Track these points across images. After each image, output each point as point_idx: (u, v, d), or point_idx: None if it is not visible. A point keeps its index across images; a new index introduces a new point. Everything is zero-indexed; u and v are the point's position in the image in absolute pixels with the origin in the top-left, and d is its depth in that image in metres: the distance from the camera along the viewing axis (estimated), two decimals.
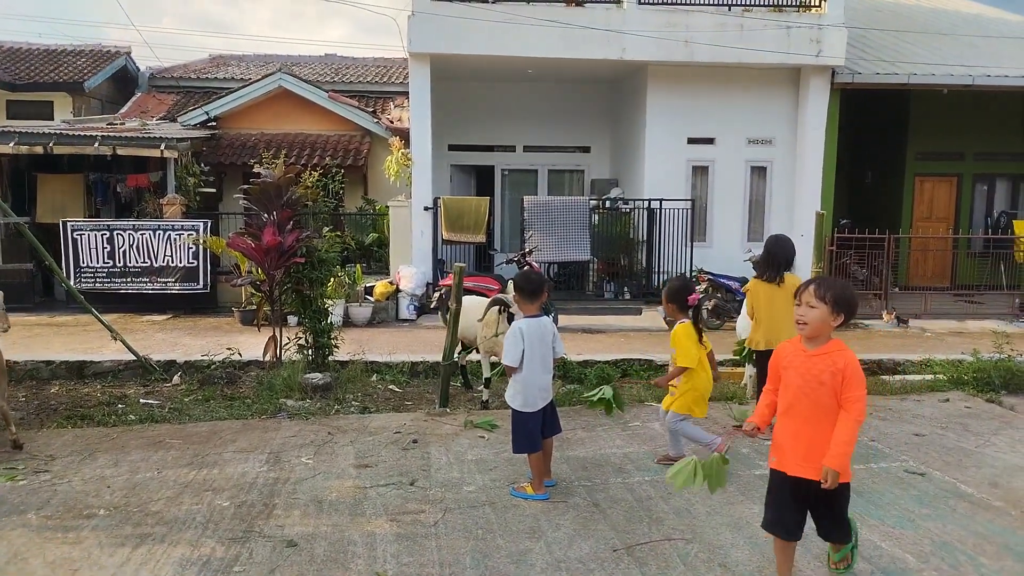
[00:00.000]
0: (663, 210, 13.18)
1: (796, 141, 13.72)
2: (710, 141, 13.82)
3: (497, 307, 6.96)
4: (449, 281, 7.79)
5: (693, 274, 12.80)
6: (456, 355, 7.39)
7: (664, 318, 10.88)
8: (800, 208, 13.41)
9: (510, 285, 11.04)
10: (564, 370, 8.25)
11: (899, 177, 16.03)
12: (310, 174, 11.83)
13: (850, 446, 3.27)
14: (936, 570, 3.94)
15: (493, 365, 7.29)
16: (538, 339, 4.82)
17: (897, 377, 8.59)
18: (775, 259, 6.09)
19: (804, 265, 12.53)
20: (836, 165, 13.65)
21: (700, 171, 13.92)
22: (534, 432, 4.83)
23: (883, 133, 16.39)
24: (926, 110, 15.26)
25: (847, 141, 15.04)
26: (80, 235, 12.53)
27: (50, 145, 12.69)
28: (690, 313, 5.35)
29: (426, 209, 12.88)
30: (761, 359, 5.86)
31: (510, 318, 6.69)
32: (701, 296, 11.67)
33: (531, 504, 4.80)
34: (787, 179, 13.84)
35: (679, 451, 5.45)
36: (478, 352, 7.50)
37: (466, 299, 7.79)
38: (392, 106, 17.49)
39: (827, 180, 13.51)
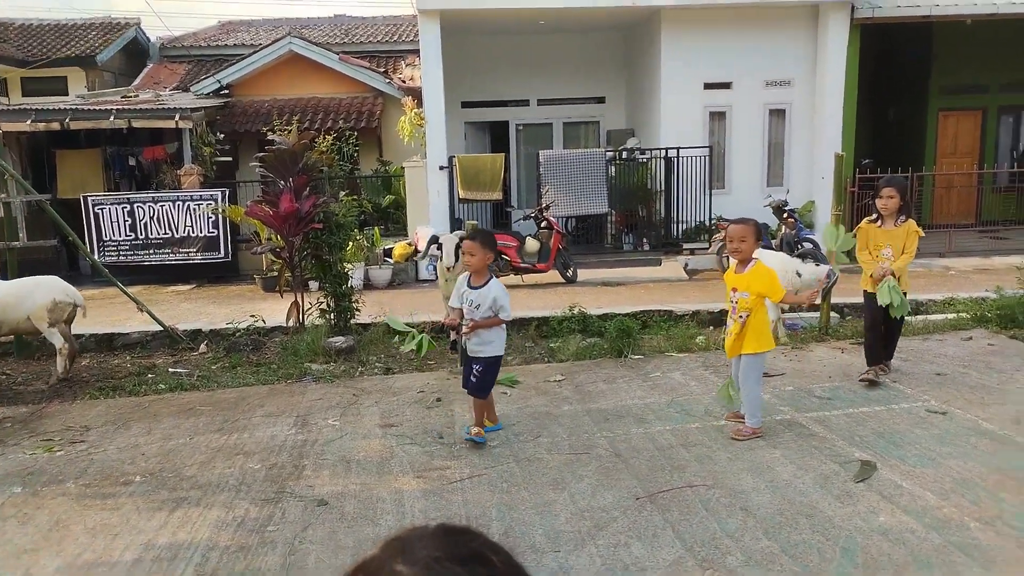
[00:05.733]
0: (680, 158, 13.02)
1: (815, 81, 13.41)
2: (727, 85, 13.55)
3: (435, 244, 7.17)
4: None
5: (713, 222, 12.69)
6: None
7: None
8: (820, 150, 13.15)
9: (528, 241, 11.13)
10: (584, 324, 8.29)
11: (922, 113, 15.66)
12: (324, 138, 11.81)
13: None
14: (956, 507, 3.97)
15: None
16: None
17: (919, 317, 8.52)
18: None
19: (824, 208, 12.42)
20: (857, 103, 13.36)
21: (717, 116, 13.68)
22: None
23: (905, 68, 15.97)
24: (949, 42, 14.83)
25: (868, 78, 14.66)
26: (101, 209, 12.67)
27: (66, 121, 12.78)
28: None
29: (441, 168, 12.82)
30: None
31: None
32: (722, 244, 11.70)
33: (554, 456, 4.88)
34: (807, 121, 13.56)
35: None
36: None
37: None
38: (404, 65, 17.32)
39: (848, 120, 13.22)
